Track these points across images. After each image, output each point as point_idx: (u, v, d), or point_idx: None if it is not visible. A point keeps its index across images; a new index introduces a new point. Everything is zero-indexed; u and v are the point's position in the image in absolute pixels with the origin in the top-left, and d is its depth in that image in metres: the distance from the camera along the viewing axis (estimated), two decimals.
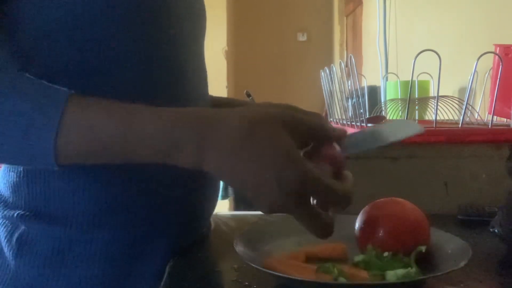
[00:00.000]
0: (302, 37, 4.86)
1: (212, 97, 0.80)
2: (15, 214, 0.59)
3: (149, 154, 0.49)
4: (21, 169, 0.59)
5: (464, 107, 0.99)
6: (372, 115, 1.27)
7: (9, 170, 0.60)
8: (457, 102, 1.15)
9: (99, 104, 0.50)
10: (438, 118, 1.02)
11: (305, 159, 0.47)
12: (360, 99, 1.05)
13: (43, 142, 0.48)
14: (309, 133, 0.50)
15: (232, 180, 0.48)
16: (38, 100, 0.49)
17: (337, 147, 0.52)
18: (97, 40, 0.56)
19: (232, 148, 0.46)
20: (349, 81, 1.12)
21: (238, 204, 3.29)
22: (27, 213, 0.58)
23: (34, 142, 0.48)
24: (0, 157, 0.52)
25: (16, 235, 0.59)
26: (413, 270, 0.50)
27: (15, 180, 0.59)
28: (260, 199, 0.47)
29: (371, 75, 3.01)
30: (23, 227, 0.59)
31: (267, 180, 0.46)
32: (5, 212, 0.60)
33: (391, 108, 1.41)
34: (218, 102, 0.81)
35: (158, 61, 0.61)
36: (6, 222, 0.60)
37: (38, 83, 0.51)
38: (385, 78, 2.03)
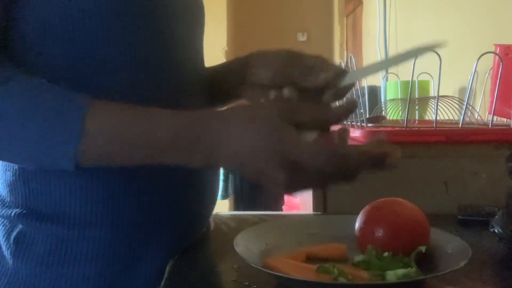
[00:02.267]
0: (302, 37, 4.85)
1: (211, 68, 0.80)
2: (13, 213, 0.59)
3: (163, 159, 0.52)
4: (17, 167, 0.59)
5: (464, 107, 0.99)
6: (372, 115, 1.27)
7: (6, 169, 0.60)
8: (457, 102, 1.15)
9: (114, 111, 0.52)
10: (438, 118, 1.02)
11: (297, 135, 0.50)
12: (360, 99, 1.05)
13: (64, 146, 0.50)
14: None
15: (244, 171, 0.52)
16: (59, 105, 0.51)
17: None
18: (94, 40, 0.56)
19: (237, 145, 0.50)
20: None
21: (238, 204, 3.29)
22: (24, 211, 0.58)
23: (56, 147, 0.50)
24: (21, 159, 0.54)
25: (13, 234, 0.59)
26: (413, 270, 0.50)
27: (11, 179, 0.60)
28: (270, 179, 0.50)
29: (371, 75, 3.01)
30: (20, 226, 0.59)
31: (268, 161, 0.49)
32: (3, 211, 0.60)
33: (391, 108, 1.41)
34: (218, 72, 0.79)
35: (156, 59, 0.61)
36: (4, 221, 0.60)
37: (58, 89, 0.53)
38: (385, 78, 2.03)
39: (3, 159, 0.59)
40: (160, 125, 0.51)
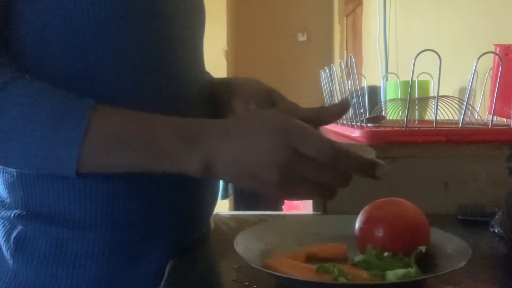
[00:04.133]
0: (302, 37, 4.85)
1: (209, 79, 0.80)
2: (12, 214, 0.59)
3: (162, 166, 0.53)
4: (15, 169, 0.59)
5: (464, 107, 0.99)
6: (372, 115, 1.27)
7: (4, 171, 0.60)
8: (457, 102, 1.15)
9: (117, 118, 0.53)
10: (438, 118, 1.02)
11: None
12: (360, 99, 1.05)
13: (67, 151, 0.51)
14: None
15: (241, 181, 0.53)
16: (63, 110, 0.51)
17: None
18: (94, 43, 0.56)
19: (233, 154, 0.50)
20: (349, 81, 1.12)
21: (238, 204, 3.29)
22: (24, 212, 0.58)
23: (58, 151, 0.51)
24: (21, 166, 0.55)
25: (13, 234, 0.59)
26: (413, 270, 0.50)
27: (10, 180, 0.59)
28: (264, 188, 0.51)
29: (371, 75, 3.01)
30: (20, 227, 0.59)
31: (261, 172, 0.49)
32: (3, 213, 0.60)
33: (391, 108, 1.41)
34: (216, 86, 0.80)
35: (156, 61, 0.61)
36: (4, 222, 0.60)
37: (63, 93, 0.53)
38: (385, 78, 2.02)
39: (4, 165, 0.59)
40: (159, 131, 0.52)
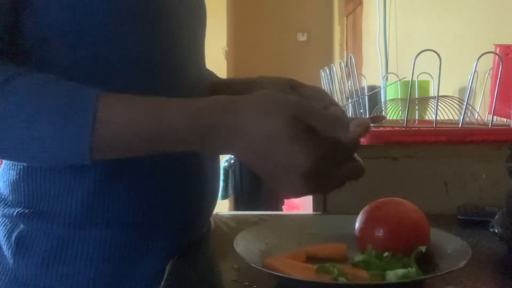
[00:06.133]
0: (302, 37, 4.85)
1: (213, 79, 0.80)
2: (15, 212, 0.59)
3: (177, 144, 0.52)
4: (21, 167, 0.59)
5: (464, 107, 0.99)
6: (372, 115, 1.27)
7: (9, 168, 0.60)
8: (457, 102, 1.15)
9: (128, 99, 0.52)
10: (438, 118, 1.02)
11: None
12: (360, 99, 1.05)
13: (79, 138, 0.49)
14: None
15: (254, 166, 0.51)
16: (71, 98, 0.50)
17: None
18: (97, 42, 0.56)
19: (250, 135, 0.49)
20: (349, 81, 1.13)
21: (238, 204, 3.29)
22: (26, 210, 0.59)
23: (70, 139, 0.49)
24: (31, 158, 0.52)
25: (15, 234, 0.59)
26: (413, 270, 0.50)
27: (14, 178, 0.60)
28: (282, 180, 0.50)
29: (371, 75, 3.01)
30: (22, 226, 0.59)
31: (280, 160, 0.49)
32: (5, 211, 0.60)
33: (391, 108, 1.41)
34: (219, 86, 0.80)
35: (158, 60, 0.61)
36: (6, 220, 0.60)
37: (68, 83, 0.52)
38: (385, 78, 2.02)
39: (12, 159, 0.58)
40: (175, 111, 0.51)
